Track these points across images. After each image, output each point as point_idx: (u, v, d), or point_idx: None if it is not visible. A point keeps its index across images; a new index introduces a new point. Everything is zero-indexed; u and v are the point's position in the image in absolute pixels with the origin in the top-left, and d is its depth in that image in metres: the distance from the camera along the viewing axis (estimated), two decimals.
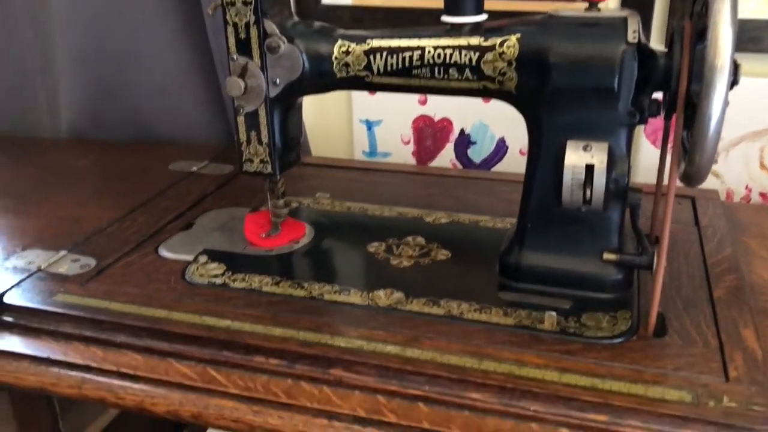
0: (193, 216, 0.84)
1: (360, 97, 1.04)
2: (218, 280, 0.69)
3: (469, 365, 0.55)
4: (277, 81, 0.68)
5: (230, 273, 0.70)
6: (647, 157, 0.93)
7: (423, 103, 1.01)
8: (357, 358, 0.56)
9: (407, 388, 0.54)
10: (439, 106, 1.01)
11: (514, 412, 0.52)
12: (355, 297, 0.65)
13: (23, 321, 0.64)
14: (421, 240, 0.75)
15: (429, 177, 0.95)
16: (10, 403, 0.68)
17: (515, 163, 1.00)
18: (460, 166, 1.04)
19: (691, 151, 0.52)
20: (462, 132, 1.01)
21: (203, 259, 0.73)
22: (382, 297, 0.65)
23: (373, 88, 0.69)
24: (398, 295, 0.65)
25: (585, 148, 0.59)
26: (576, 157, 0.59)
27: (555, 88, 0.60)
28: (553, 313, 0.60)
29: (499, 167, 1.02)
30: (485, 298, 0.64)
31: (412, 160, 1.06)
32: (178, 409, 0.57)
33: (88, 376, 0.60)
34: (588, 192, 0.59)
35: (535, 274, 0.65)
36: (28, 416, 0.68)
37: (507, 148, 1.00)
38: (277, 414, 0.55)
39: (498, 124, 0.99)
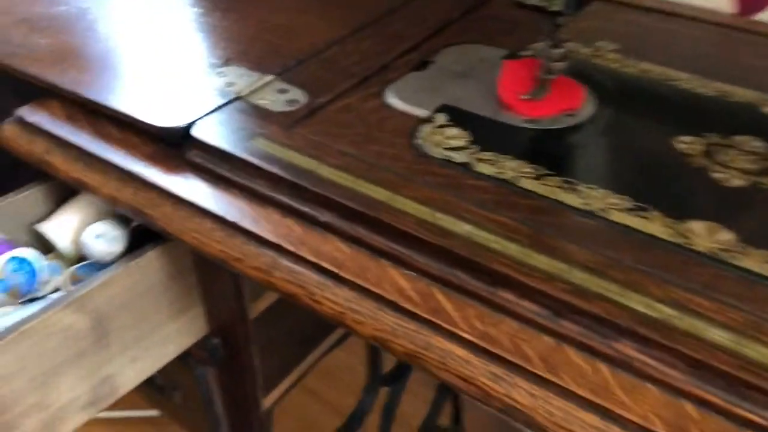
0: (430, 50, 0.64)
1: None
2: (459, 157, 0.50)
3: None
4: None
5: (476, 147, 0.50)
6: None
7: None
8: (661, 338, 0.36)
9: (751, 410, 0.34)
10: None
11: None
12: (655, 225, 0.43)
13: (212, 165, 0.51)
14: (759, 145, 0.50)
15: (764, 38, 0.66)
16: (191, 255, 0.57)
17: None
18: None
19: None
20: None
21: (441, 118, 0.54)
22: (700, 233, 0.43)
23: None
24: (726, 235, 0.42)
25: None
26: None
27: None
28: None
29: None
30: None
31: (730, 9, 0.76)
32: (388, 339, 0.42)
33: (280, 259, 0.46)
34: None
35: None
36: (209, 271, 0.57)
37: None
38: (528, 388, 0.38)
39: None
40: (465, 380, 0.39)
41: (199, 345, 0.61)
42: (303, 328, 0.73)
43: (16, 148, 0.58)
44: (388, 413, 1.06)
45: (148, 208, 0.51)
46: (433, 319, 0.41)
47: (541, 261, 0.41)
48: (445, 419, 1.28)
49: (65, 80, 0.58)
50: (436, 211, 0.44)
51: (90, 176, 0.54)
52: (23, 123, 0.59)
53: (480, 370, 0.39)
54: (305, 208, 0.47)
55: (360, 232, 0.45)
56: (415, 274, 0.43)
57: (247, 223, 0.47)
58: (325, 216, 0.46)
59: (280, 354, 0.70)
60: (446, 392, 1.25)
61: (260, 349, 0.64)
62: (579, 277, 0.40)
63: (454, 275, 0.42)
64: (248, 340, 0.62)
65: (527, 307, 0.40)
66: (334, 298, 0.43)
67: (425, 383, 1.42)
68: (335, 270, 0.44)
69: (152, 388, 0.68)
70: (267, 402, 0.71)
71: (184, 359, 0.62)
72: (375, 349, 0.94)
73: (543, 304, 0.39)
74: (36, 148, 0.57)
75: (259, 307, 0.63)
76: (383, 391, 0.99)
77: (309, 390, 1.36)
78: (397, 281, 0.43)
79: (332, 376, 1.38)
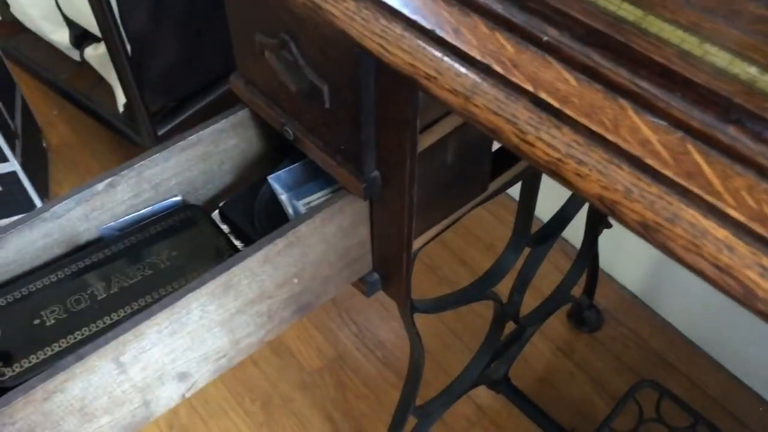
0: None
1: None
2: None
3: None
4: None
5: None
6: None
7: None
8: None
9: None
10: None
11: None
12: None
13: None
14: None
15: None
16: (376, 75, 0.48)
17: None
18: None
19: None
20: None
21: None
22: None
23: None
24: None
25: None
26: None
27: None
28: None
29: None
30: None
31: None
32: (619, 202, 0.32)
33: (484, 83, 0.36)
34: None
35: None
36: (389, 91, 0.49)
37: None
38: None
39: None
40: (721, 270, 0.30)
41: (360, 177, 0.54)
42: (459, 177, 0.65)
43: None
44: (525, 275, 0.99)
45: (327, 3, 0.42)
46: (687, 185, 0.31)
47: None
48: (577, 290, 1.21)
49: None
50: (706, 43, 0.33)
51: None
52: None
53: (746, 261, 0.29)
54: (523, 21, 0.37)
55: (596, 60, 0.34)
56: (666, 123, 0.33)
57: (446, 33, 0.38)
58: (550, 34, 0.36)
59: (431, 201, 0.63)
60: (585, 263, 1.17)
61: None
62: None
63: (723, 132, 0.31)
64: (413, 176, 0.55)
65: None
66: (551, 141, 0.34)
67: (563, 251, 1.34)
68: (557, 105, 0.34)
69: None
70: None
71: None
72: (527, 205, 0.86)
73: None
74: None
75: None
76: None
77: (441, 240, 1.31)
78: (641, 130, 0.33)
79: (467, 231, 1.32)
